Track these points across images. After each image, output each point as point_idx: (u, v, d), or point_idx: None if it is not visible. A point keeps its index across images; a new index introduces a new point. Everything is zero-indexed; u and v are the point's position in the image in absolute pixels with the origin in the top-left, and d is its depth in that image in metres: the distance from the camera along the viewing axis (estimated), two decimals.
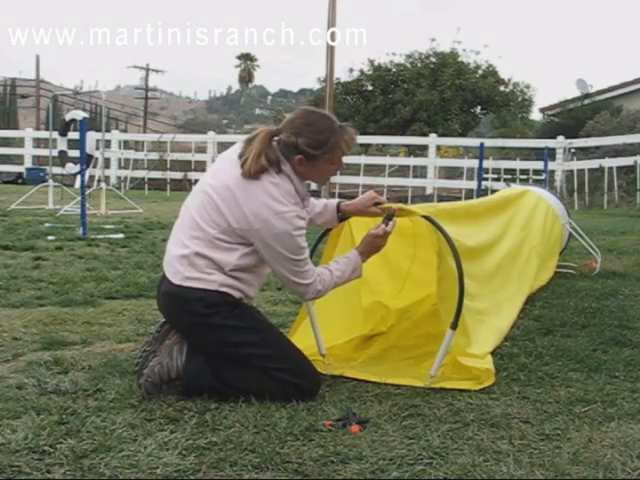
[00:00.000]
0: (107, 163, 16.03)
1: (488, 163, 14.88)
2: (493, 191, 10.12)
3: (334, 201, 2.78)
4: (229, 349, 2.39)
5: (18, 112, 39.56)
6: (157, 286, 2.56)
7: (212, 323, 2.37)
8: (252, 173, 2.35)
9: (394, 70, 22.67)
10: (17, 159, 20.24)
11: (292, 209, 2.35)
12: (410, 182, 16.35)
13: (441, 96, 21.35)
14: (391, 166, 17.82)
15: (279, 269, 2.41)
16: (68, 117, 11.35)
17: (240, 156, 2.41)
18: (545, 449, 2.02)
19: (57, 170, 12.62)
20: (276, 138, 2.43)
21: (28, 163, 19.25)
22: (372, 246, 2.66)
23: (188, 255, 2.37)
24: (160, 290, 2.50)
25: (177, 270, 2.39)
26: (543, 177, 11.83)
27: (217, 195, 2.39)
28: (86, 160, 8.18)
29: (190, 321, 2.39)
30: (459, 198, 14.53)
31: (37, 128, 28.84)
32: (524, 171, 15.28)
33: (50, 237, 6.70)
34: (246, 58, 53.10)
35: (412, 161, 17.39)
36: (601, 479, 1.83)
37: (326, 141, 2.40)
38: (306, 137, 2.38)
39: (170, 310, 2.46)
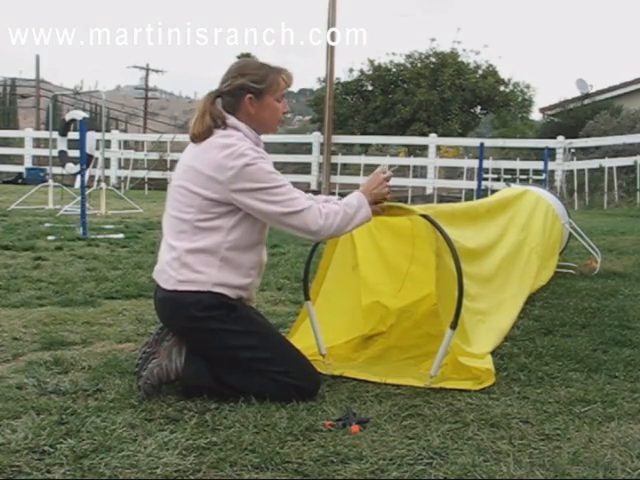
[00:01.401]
0: (107, 163, 16.03)
1: (488, 163, 14.87)
2: (493, 191, 10.13)
3: (334, 198, 2.78)
4: (228, 352, 2.38)
5: (18, 112, 39.52)
6: (154, 292, 2.56)
7: (209, 327, 2.36)
8: (199, 135, 2.40)
9: (394, 70, 22.64)
10: (17, 159, 20.23)
11: (241, 144, 2.36)
12: (410, 182, 16.33)
13: (441, 96, 21.32)
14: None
15: (266, 208, 2.33)
16: (68, 117, 11.35)
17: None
18: (545, 449, 2.02)
19: (57, 170, 12.62)
20: (219, 100, 2.48)
21: (28, 163, 19.23)
22: (372, 184, 2.55)
23: (179, 256, 2.36)
24: (156, 296, 2.51)
25: (170, 275, 2.39)
26: (543, 177, 11.84)
27: (183, 180, 2.41)
28: (86, 160, 8.18)
29: (186, 325, 2.38)
30: (459, 198, 14.54)
31: (37, 128, 28.81)
32: (524, 171, 15.27)
33: (50, 237, 6.70)
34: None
35: (412, 161, 17.39)
36: (601, 479, 1.83)
37: (267, 75, 2.47)
38: (249, 74, 2.46)
39: (166, 315, 2.46)
